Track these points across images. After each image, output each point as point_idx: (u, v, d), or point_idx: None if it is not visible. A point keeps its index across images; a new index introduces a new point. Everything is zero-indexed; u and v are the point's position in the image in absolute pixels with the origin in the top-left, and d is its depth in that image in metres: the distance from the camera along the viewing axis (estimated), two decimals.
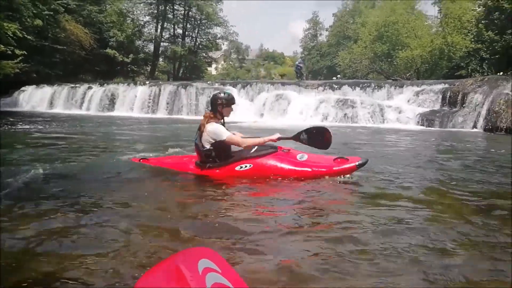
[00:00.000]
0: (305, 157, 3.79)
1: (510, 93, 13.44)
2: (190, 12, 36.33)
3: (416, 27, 26.88)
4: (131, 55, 31.54)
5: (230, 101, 3.83)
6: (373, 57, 29.00)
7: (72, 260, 1.90)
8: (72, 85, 22.54)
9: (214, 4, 35.93)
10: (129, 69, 33.17)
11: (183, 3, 35.56)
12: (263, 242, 2.17)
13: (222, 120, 3.87)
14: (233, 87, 19.20)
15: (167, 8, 35.37)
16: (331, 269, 1.83)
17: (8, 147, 6.16)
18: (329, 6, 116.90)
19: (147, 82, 22.63)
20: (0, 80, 18.70)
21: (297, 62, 23.93)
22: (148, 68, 36.48)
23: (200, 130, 3.78)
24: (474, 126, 13.56)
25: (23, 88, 22.95)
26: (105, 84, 22.27)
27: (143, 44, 36.21)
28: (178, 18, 36.67)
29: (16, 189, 3.28)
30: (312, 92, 17.98)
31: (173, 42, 36.18)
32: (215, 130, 3.68)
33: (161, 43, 36.54)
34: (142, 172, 4.07)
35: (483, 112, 13.56)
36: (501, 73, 16.96)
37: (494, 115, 13.12)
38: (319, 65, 48.39)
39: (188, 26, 37.07)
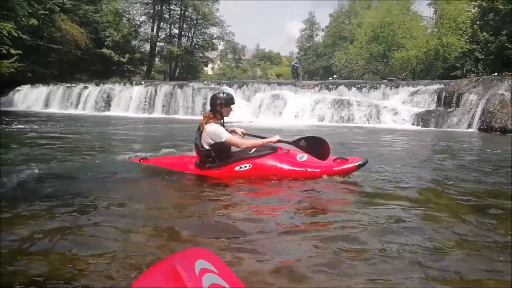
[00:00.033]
0: (305, 157, 3.78)
1: (505, 93, 13.56)
2: (186, 12, 36.31)
3: (412, 28, 27.07)
4: (127, 55, 31.50)
5: (229, 101, 3.82)
6: (369, 58, 29.15)
7: (68, 261, 1.88)
8: (68, 85, 22.45)
9: (210, 4, 35.95)
10: (125, 69, 33.06)
11: (179, 3, 35.51)
12: (261, 242, 2.16)
13: (221, 120, 3.86)
14: (230, 87, 19.23)
15: (163, 8, 35.33)
16: (329, 269, 1.83)
17: (3, 146, 6.12)
18: (325, 6, 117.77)
19: (143, 82, 22.58)
20: None
21: (293, 62, 23.97)
22: (144, 68, 36.41)
23: (200, 130, 3.77)
24: (469, 126, 13.67)
25: (18, 88, 22.83)
26: (101, 84, 22.20)
27: (139, 44, 36.19)
28: (174, 18, 36.64)
29: (11, 189, 3.25)
30: (308, 92, 18.04)
31: (169, 42, 36.13)
32: (214, 131, 3.66)
33: (157, 43, 36.53)
34: (140, 172, 4.05)
35: (478, 112, 13.68)
36: (496, 73, 17.11)
37: (489, 115, 13.22)
38: (315, 65, 48.52)
39: (184, 26, 37.06)
